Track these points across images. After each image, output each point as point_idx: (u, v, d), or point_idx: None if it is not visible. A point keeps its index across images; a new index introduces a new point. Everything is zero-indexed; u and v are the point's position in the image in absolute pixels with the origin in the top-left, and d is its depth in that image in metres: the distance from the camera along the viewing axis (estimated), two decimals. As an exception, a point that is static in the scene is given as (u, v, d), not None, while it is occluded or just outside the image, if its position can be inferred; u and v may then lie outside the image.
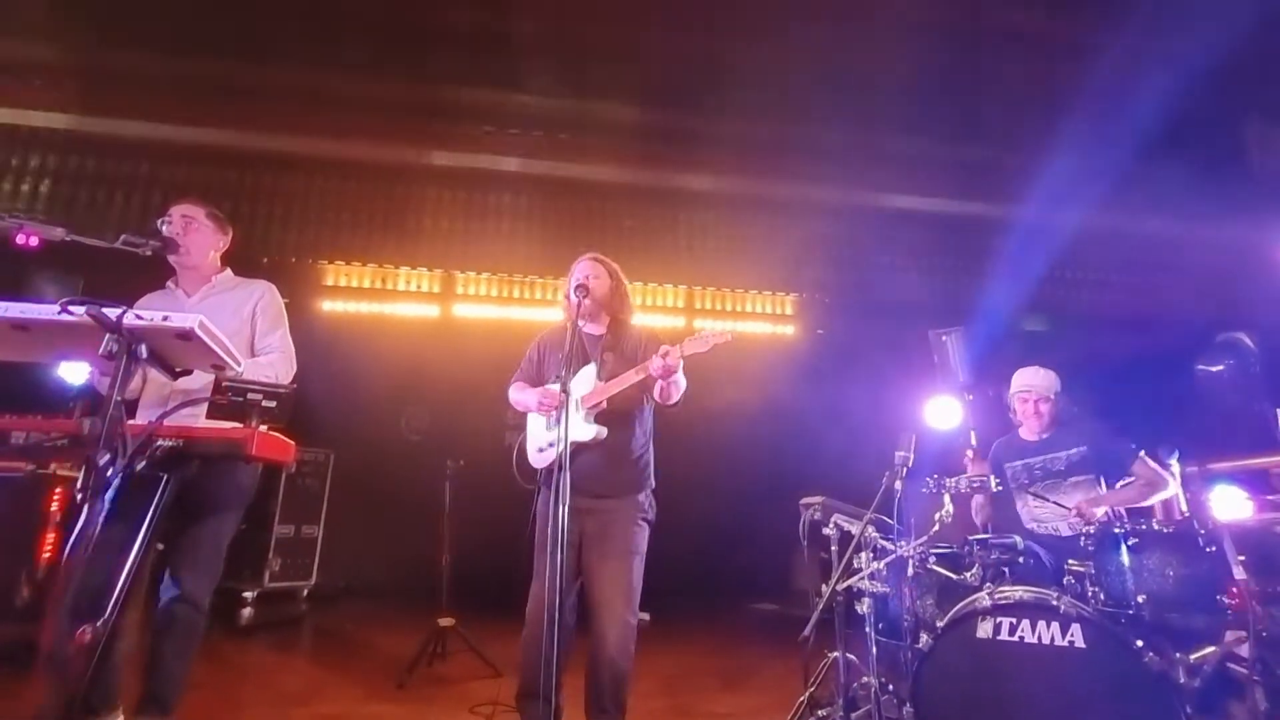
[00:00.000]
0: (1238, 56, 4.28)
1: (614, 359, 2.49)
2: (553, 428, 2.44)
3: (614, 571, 2.28)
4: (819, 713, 2.65)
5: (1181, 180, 5.15)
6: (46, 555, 3.06)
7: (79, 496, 1.46)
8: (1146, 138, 4.67)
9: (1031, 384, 3.05)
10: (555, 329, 2.70)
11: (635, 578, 2.32)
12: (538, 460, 2.50)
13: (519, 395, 2.59)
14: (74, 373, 3.84)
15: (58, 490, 3.01)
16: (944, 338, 4.82)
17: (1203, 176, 5.25)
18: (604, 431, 2.37)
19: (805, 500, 3.03)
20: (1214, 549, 2.10)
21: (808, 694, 2.74)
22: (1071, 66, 4.68)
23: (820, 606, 2.44)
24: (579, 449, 2.30)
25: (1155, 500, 2.83)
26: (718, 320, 6.21)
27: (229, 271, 2.52)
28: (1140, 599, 2.07)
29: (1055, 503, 2.78)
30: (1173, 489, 2.85)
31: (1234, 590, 2.00)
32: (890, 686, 2.55)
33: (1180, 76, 4.40)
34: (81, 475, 1.47)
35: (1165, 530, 2.22)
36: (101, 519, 1.48)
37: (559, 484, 1.94)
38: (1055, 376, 3.07)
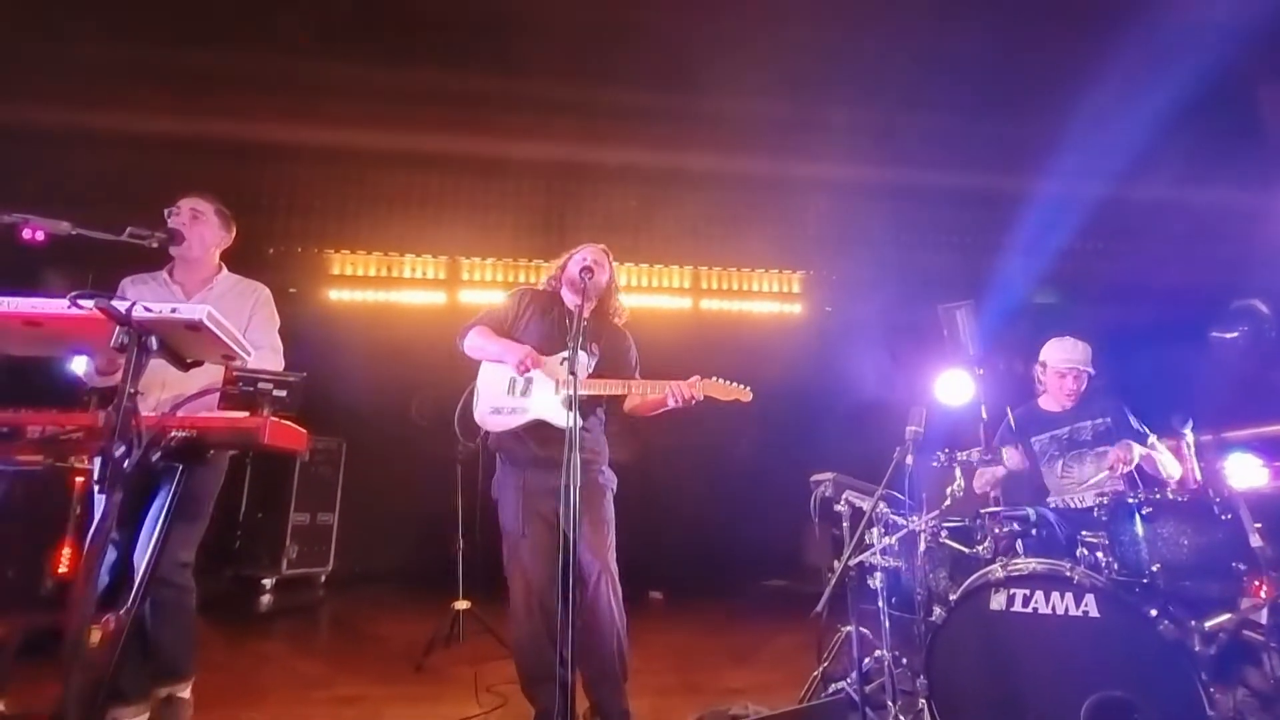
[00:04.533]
0: (1255, 24, 4.17)
1: (602, 353, 2.53)
2: (514, 395, 2.42)
3: (603, 541, 2.34)
4: (832, 686, 2.68)
5: (1196, 149, 5.04)
6: (68, 546, 3.11)
7: (96, 488, 1.47)
8: (1161, 108, 4.57)
9: (1073, 358, 3.02)
10: (537, 293, 2.66)
11: (614, 542, 2.40)
12: (487, 420, 2.42)
13: (483, 340, 2.48)
14: (85, 367, 3.88)
15: (77, 482, 3.06)
16: (954, 312, 4.77)
17: (1218, 145, 5.13)
18: (582, 421, 2.37)
19: (816, 477, 3.02)
20: (1229, 517, 2.09)
21: (821, 668, 2.77)
22: (1086, 37, 4.56)
23: (833, 582, 2.45)
24: (551, 430, 2.30)
25: (1163, 471, 2.85)
26: (724, 300, 6.18)
27: (226, 271, 2.52)
28: (1155, 568, 2.06)
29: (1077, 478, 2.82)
30: (1178, 470, 2.90)
31: (1257, 584, 1.99)
32: (904, 660, 2.56)
33: (1196, 46, 4.29)
34: (98, 468, 1.48)
35: (1180, 499, 2.21)
36: (119, 510, 1.50)
37: (568, 469, 1.94)
38: (1089, 348, 3.05)
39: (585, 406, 2.45)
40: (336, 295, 5.79)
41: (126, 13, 4.41)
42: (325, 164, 5.38)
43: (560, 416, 2.30)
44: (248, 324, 2.41)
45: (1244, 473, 3.30)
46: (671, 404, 2.36)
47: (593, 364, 2.48)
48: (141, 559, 1.72)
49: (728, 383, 2.36)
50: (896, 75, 4.82)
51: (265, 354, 2.36)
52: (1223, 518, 2.09)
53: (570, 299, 2.55)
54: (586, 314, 2.54)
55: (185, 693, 2.22)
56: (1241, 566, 2.02)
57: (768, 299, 6.27)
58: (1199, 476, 3.21)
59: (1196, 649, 1.89)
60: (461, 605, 3.70)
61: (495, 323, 2.56)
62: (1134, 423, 2.95)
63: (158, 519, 1.75)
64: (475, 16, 4.67)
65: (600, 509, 2.41)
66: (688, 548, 6.04)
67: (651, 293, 6.04)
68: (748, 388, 2.38)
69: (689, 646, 3.93)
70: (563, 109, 5.22)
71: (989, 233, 5.71)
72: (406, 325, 5.92)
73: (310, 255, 5.50)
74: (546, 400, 2.36)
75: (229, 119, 4.99)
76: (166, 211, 2.34)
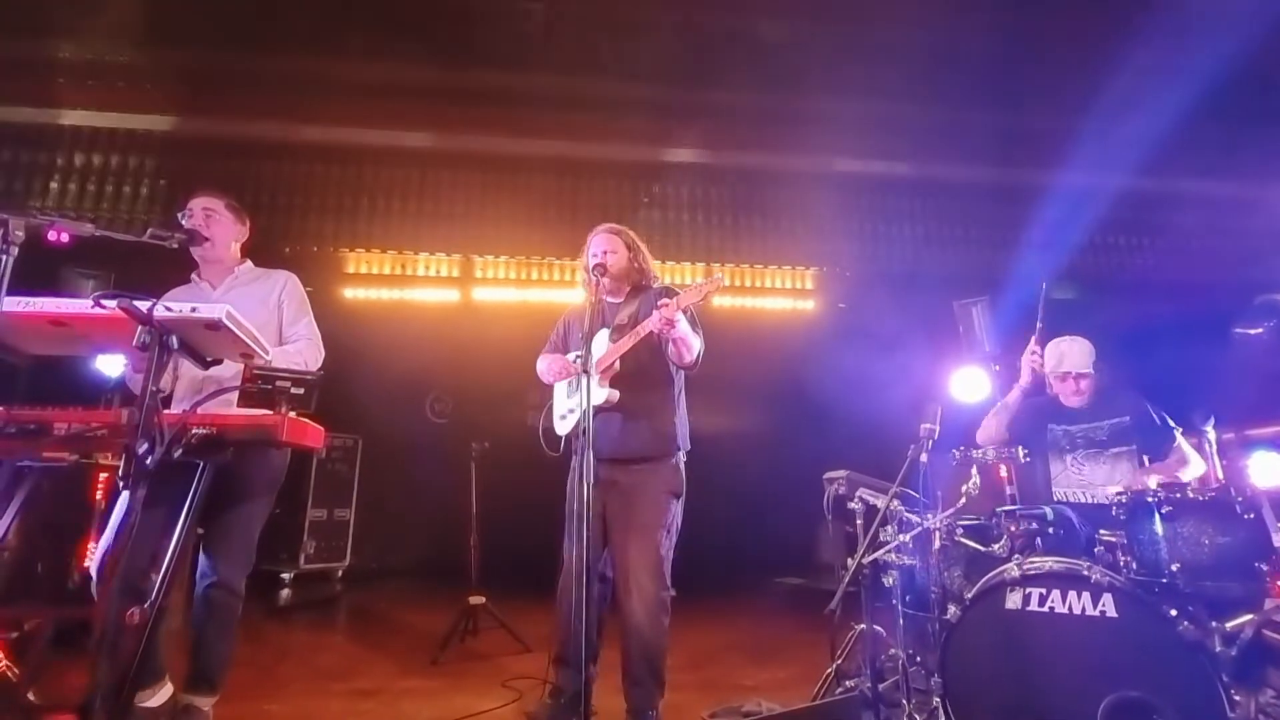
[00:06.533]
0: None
1: (627, 322, 2.50)
2: (571, 397, 2.49)
3: (639, 545, 2.31)
4: (846, 684, 2.67)
5: (1220, 140, 4.94)
6: (94, 541, 3.17)
7: (121, 484, 1.51)
8: (1183, 98, 4.48)
9: (1070, 365, 2.93)
10: (579, 305, 2.75)
11: (662, 551, 2.34)
12: (560, 427, 2.56)
13: (543, 366, 2.65)
14: (110, 365, 3.97)
15: (102, 478, 3.12)
16: (969, 308, 4.73)
17: (1242, 136, 5.03)
18: (615, 394, 2.36)
19: (829, 475, 3.01)
20: (1252, 516, 2.05)
21: (834, 666, 2.76)
22: (1105, 26, 4.48)
23: (846, 580, 2.44)
24: (595, 413, 2.26)
25: (1183, 476, 2.79)
26: (737, 297, 6.16)
27: (250, 263, 2.55)
28: (1174, 568, 2.03)
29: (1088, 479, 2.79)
30: (1202, 468, 2.82)
31: (1275, 558, 1.96)
32: (918, 658, 2.55)
33: (1220, 34, 4.19)
34: (122, 464, 1.52)
35: (1201, 498, 2.17)
36: (143, 506, 1.53)
37: (583, 456, 1.95)
38: (1091, 345, 2.97)
39: (630, 379, 2.39)
40: (351, 294, 5.85)
41: (140, 13, 4.47)
42: (340, 163, 5.42)
43: (596, 395, 2.29)
44: (279, 315, 2.43)
45: (1267, 470, 3.24)
46: (665, 331, 2.24)
47: (611, 336, 2.45)
48: (172, 555, 1.75)
49: (696, 283, 2.28)
50: (911, 68, 4.76)
51: (303, 345, 2.39)
52: (1245, 517, 2.05)
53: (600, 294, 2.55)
54: (622, 298, 2.60)
55: (207, 706, 2.21)
56: (1264, 567, 1.98)
57: (780, 295, 6.23)
58: (1221, 475, 3.16)
59: (1217, 650, 1.86)
60: (476, 600, 3.73)
61: (551, 348, 2.70)
62: (1157, 419, 2.86)
63: (185, 515, 1.78)
64: (488, 13, 4.68)
65: (648, 514, 2.32)
66: (700, 544, 6.02)
67: (664, 289, 6.03)
68: (719, 277, 2.41)
69: (702, 643, 3.94)
70: (575, 105, 5.22)
71: (1009, 228, 5.64)
72: (421, 323, 5.97)
73: (325, 254, 5.55)
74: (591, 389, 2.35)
75: (243, 118, 5.05)
76: (179, 215, 2.37)
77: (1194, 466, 2.78)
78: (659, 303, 2.23)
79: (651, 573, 2.30)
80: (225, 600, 2.21)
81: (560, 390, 2.59)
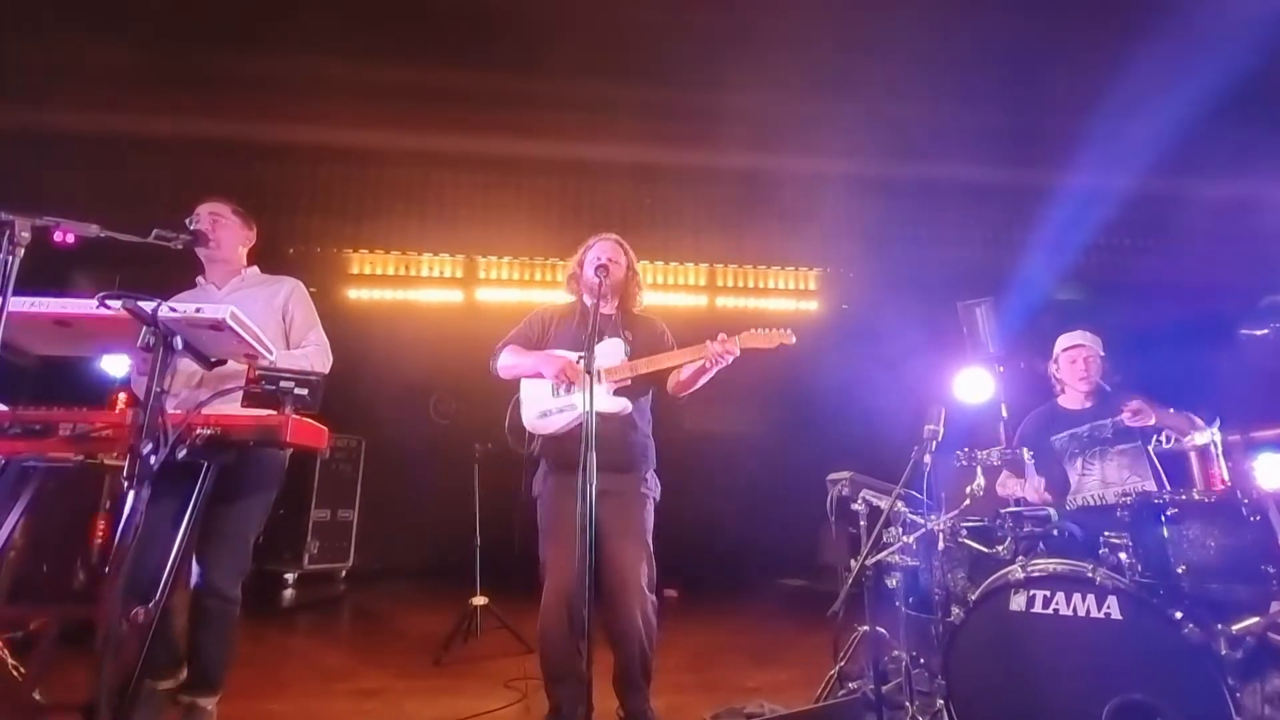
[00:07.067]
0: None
1: (636, 338, 2.50)
2: (560, 395, 2.42)
3: (634, 554, 2.33)
4: (849, 686, 2.67)
5: (1226, 142, 4.91)
6: (99, 541, 3.19)
7: (125, 484, 1.51)
8: (1189, 100, 4.46)
9: (1082, 341, 3.01)
10: (559, 305, 2.71)
11: (651, 556, 2.38)
12: (537, 425, 2.45)
13: (516, 358, 2.51)
14: (115, 365, 3.99)
15: (106, 479, 3.14)
16: (973, 309, 4.71)
17: (1248, 137, 5.00)
18: (629, 406, 2.35)
19: (832, 476, 3.01)
20: (1258, 518, 2.04)
21: (837, 668, 2.75)
22: (1113, 26, 4.46)
23: (850, 581, 2.43)
24: (600, 425, 2.23)
25: (1191, 437, 2.76)
26: (740, 298, 6.16)
27: (256, 268, 2.57)
28: (1180, 570, 2.02)
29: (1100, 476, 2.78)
30: (1207, 436, 2.79)
31: None
32: (921, 660, 2.54)
33: (1228, 36, 4.17)
34: (126, 464, 1.52)
35: (1206, 500, 2.16)
36: (148, 506, 1.54)
37: (585, 466, 1.94)
38: (1099, 339, 3.02)
39: (636, 394, 2.42)
40: (355, 295, 5.87)
41: (145, 16, 4.48)
42: (344, 164, 5.44)
43: (611, 404, 2.29)
44: (285, 319, 2.43)
45: (1273, 473, 3.22)
46: (709, 366, 2.31)
47: (627, 349, 2.45)
48: (176, 555, 1.75)
49: (765, 330, 2.31)
50: (915, 67, 4.75)
51: (311, 350, 2.39)
52: (1251, 519, 2.04)
53: (591, 301, 2.53)
54: (612, 310, 2.57)
55: (210, 705, 2.21)
56: (1270, 569, 1.97)
57: (784, 296, 6.23)
58: (1226, 477, 3.14)
59: (1222, 652, 1.85)
60: (479, 601, 3.74)
61: (524, 341, 2.60)
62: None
63: (189, 515, 1.78)
64: (492, 15, 4.68)
65: (639, 521, 2.37)
66: (703, 545, 6.04)
67: (667, 290, 6.04)
68: (789, 330, 2.34)
69: (704, 645, 3.93)
70: (578, 107, 5.22)
71: (1013, 229, 5.62)
72: (424, 324, 5.98)
73: (329, 255, 5.58)
74: (594, 392, 2.34)
75: (248, 120, 5.06)
76: (187, 220, 2.38)
77: (1201, 429, 2.76)
78: (720, 336, 2.30)
79: (649, 578, 2.34)
80: (219, 607, 2.18)
81: (541, 385, 2.47)
